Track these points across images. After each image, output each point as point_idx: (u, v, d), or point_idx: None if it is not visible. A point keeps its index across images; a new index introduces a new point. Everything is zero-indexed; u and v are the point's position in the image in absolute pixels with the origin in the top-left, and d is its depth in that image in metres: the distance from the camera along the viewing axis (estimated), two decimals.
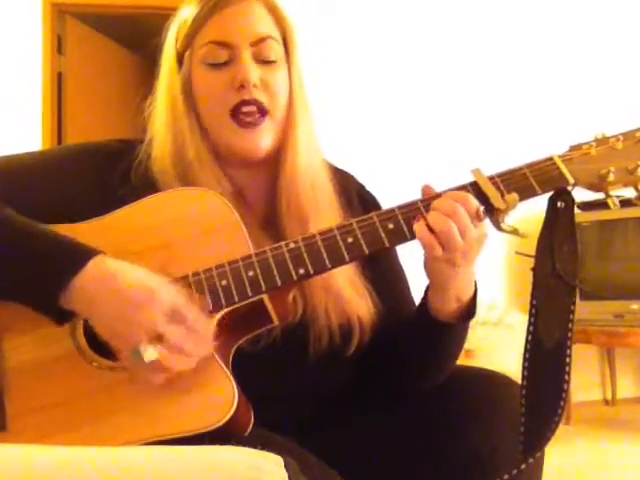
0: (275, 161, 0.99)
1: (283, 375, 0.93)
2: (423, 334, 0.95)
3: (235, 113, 0.94)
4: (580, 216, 3.20)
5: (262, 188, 1.01)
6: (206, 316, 0.81)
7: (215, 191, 0.90)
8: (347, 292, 0.96)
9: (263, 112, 0.95)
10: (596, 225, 3.34)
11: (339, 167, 1.10)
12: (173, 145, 0.97)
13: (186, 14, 0.98)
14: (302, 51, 1.02)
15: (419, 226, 0.83)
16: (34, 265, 0.81)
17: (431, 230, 0.82)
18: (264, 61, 0.96)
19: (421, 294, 0.97)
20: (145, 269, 0.81)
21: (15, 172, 0.95)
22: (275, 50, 0.96)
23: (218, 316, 0.82)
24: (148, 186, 0.93)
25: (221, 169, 0.97)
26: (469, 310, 0.93)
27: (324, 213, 0.97)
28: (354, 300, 0.97)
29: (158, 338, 0.77)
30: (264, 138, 0.96)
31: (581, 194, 0.87)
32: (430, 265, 0.89)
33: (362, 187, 1.11)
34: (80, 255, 0.81)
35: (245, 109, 0.94)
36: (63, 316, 0.82)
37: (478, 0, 3.67)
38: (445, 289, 0.90)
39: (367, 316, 0.97)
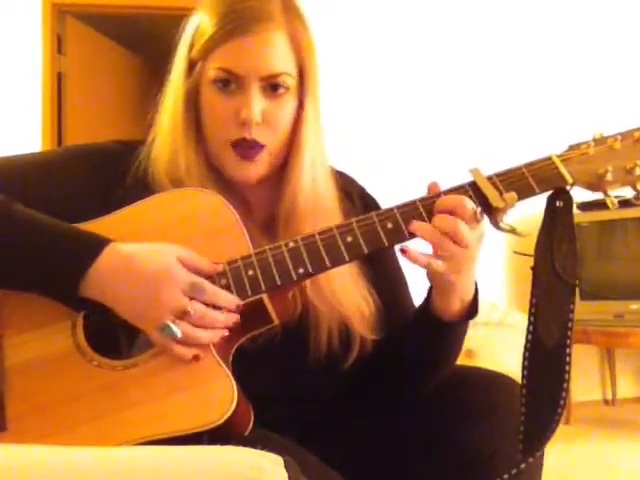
0: (278, 174, 0.99)
1: (283, 374, 0.94)
2: (425, 334, 0.95)
3: (235, 145, 0.95)
4: (579, 216, 3.20)
5: (264, 197, 1.01)
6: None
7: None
8: (349, 296, 0.96)
9: (259, 148, 0.95)
10: (596, 225, 3.34)
11: (339, 170, 1.10)
12: (171, 151, 0.98)
13: (204, 25, 0.95)
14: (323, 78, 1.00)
15: (411, 257, 0.83)
16: (51, 256, 0.83)
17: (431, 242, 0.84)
18: (273, 89, 0.94)
19: (421, 294, 0.97)
20: (158, 243, 0.84)
21: (15, 173, 0.95)
22: (286, 84, 0.94)
23: None
24: (144, 188, 0.94)
25: (210, 182, 0.96)
26: (471, 308, 0.93)
27: None
28: (356, 304, 0.96)
29: (182, 313, 0.79)
30: (259, 170, 0.96)
31: (580, 194, 0.87)
32: (432, 275, 0.89)
33: (363, 190, 1.11)
34: (94, 244, 0.83)
35: (244, 144, 0.94)
36: (82, 305, 0.83)
37: (477, 0, 3.68)
38: (449, 293, 0.90)
39: (366, 323, 0.97)
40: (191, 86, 0.97)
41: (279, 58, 0.94)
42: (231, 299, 0.83)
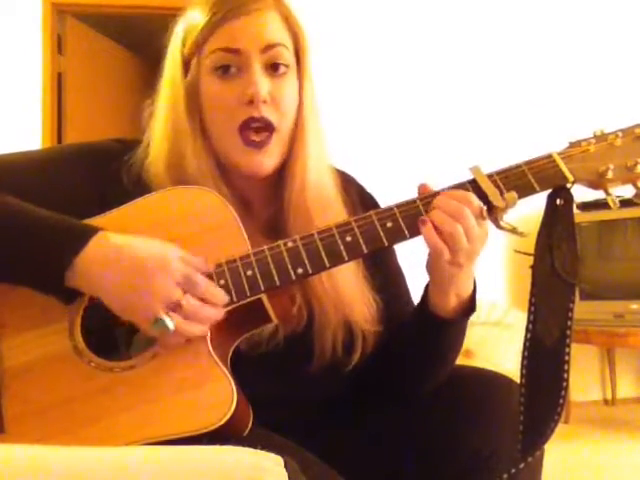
0: (282, 172, 0.97)
1: (286, 381, 0.93)
2: (422, 331, 0.95)
3: (243, 129, 0.92)
4: (580, 216, 3.20)
5: (266, 197, 1.00)
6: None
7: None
8: (352, 292, 0.96)
9: (271, 129, 0.92)
10: (596, 225, 3.34)
11: (339, 168, 1.10)
12: (172, 155, 0.95)
13: (195, 19, 0.94)
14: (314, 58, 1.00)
15: (427, 230, 0.83)
16: (37, 246, 0.81)
17: (438, 231, 0.82)
18: (274, 69, 0.93)
19: (419, 293, 0.97)
20: (149, 238, 0.82)
21: (12, 171, 0.94)
22: (285, 57, 0.94)
23: None
24: (141, 189, 0.92)
25: (223, 180, 0.95)
26: (468, 306, 0.93)
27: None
28: (360, 310, 0.96)
29: (175, 305, 0.78)
30: (270, 158, 0.94)
31: (581, 194, 0.87)
32: (433, 265, 0.89)
33: (362, 189, 1.11)
34: (82, 233, 0.81)
35: (253, 125, 0.92)
36: (70, 295, 0.82)
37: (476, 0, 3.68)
38: (446, 287, 0.90)
39: (370, 326, 0.97)
40: (190, 84, 0.94)
41: (274, 31, 0.93)
42: (221, 296, 0.81)
